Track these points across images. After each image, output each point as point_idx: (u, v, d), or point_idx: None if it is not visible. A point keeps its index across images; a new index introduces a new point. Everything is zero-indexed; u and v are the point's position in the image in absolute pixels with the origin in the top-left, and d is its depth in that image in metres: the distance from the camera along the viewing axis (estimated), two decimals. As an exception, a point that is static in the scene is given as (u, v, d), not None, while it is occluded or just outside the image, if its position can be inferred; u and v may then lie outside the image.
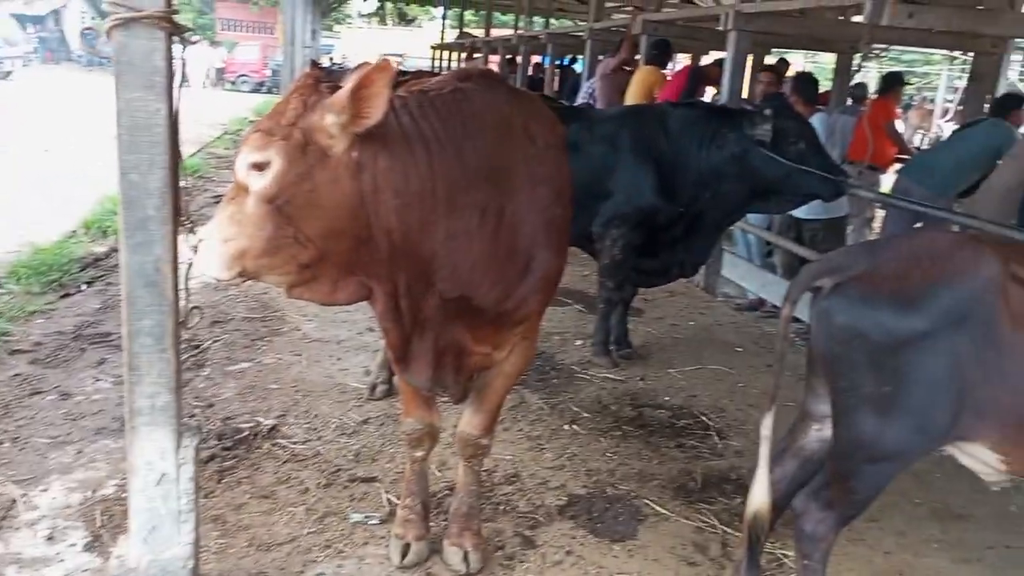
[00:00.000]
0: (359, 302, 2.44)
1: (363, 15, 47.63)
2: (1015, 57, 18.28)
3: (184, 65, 2.29)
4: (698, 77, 8.44)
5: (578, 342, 5.51)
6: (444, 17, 23.65)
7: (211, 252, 2.20)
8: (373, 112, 2.06)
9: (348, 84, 2.08)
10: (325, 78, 2.23)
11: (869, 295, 2.35)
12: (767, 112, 4.69)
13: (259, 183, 2.12)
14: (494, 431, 2.97)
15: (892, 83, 8.21)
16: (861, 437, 2.41)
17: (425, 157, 2.23)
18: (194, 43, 2.38)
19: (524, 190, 2.48)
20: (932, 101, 24.75)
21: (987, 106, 7.52)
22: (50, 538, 3.03)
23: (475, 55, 17.62)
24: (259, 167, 2.12)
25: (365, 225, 2.19)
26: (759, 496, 2.58)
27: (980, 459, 2.42)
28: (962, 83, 16.26)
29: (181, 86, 2.28)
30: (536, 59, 15.42)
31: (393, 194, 2.18)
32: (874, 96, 8.36)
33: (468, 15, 22.44)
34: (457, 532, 3.00)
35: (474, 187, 2.33)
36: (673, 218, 4.92)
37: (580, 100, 9.90)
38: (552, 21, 18.66)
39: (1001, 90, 8.65)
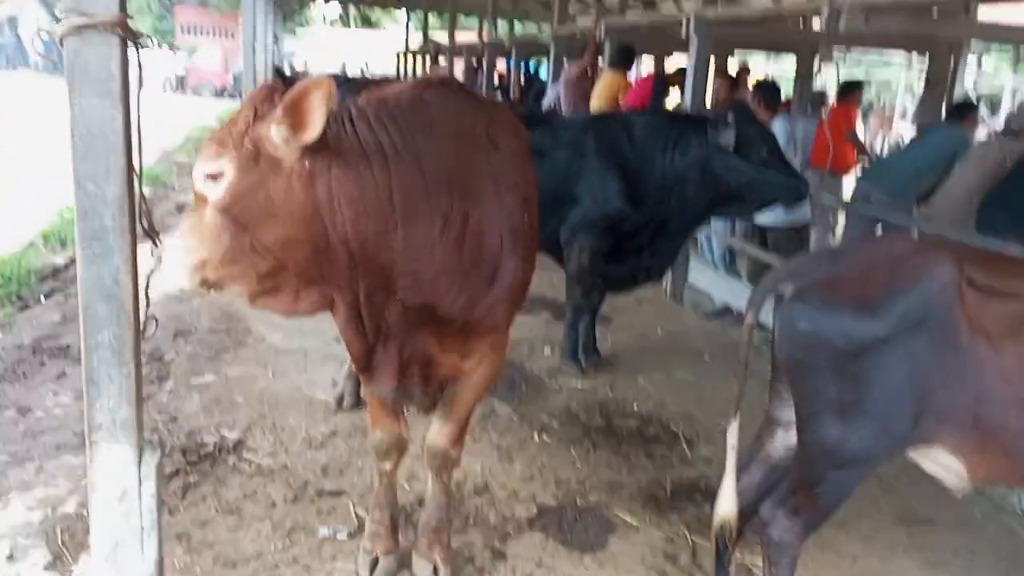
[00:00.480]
0: (322, 312, 2.42)
1: (327, 20, 47.36)
2: (971, 59, 18.69)
3: (140, 71, 2.24)
4: (663, 83, 8.50)
5: (547, 350, 5.49)
6: (408, 21, 23.60)
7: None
8: (311, 126, 2.07)
9: (284, 98, 2.08)
10: (281, 87, 2.20)
11: (829, 301, 2.38)
12: (729, 119, 4.73)
13: (214, 193, 2.14)
14: (462, 442, 2.92)
15: (850, 89, 8.32)
16: (825, 442, 2.43)
17: (381, 166, 2.21)
18: (148, 47, 2.34)
19: (489, 197, 2.46)
20: (892, 106, 25.21)
21: (944, 109, 7.66)
22: (10, 557, 2.96)
23: (439, 60, 17.59)
24: (213, 177, 2.14)
25: (322, 234, 2.19)
26: (726, 505, 2.61)
27: (941, 463, 2.45)
28: (920, 87, 16.58)
29: (139, 92, 2.23)
30: (501, 67, 15.43)
31: (348, 203, 2.17)
32: (833, 103, 8.47)
33: (432, 19, 22.39)
34: (427, 545, 2.97)
35: (434, 195, 2.30)
36: (639, 224, 4.93)
37: (546, 106, 9.93)
38: (516, 24, 18.69)
39: (958, 92, 8.84)
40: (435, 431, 2.87)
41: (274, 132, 2.09)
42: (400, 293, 2.36)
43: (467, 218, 2.39)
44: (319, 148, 2.11)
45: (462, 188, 2.38)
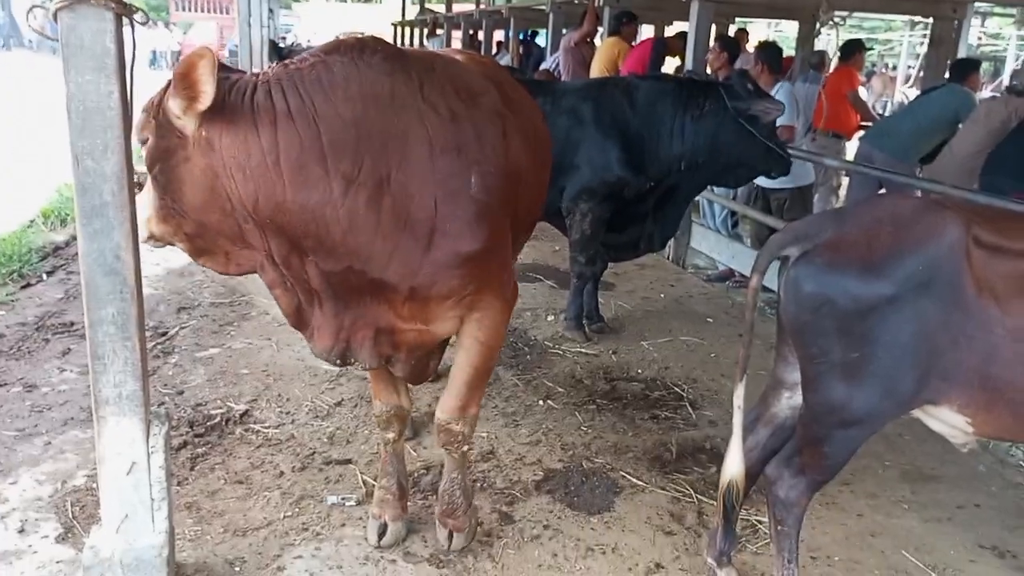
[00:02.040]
0: (253, 272, 2.48)
1: (323, -8, 46.88)
2: (974, 22, 18.48)
3: (135, 46, 2.24)
4: (662, 46, 8.42)
5: (550, 318, 5.50)
6: (405, -7, 23.39)
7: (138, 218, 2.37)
8: (201, 95, 2.14)
9: (175, 71, 2.16)
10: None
11: (835, 262, 2.37)
12: (750, 86, 4.72)
13: (144, 156, 2.28)
14: (469, 416, 2.83)
15: (853, 50, 8.23)
16: (831, 402, 2.43)
17: (269, 131, 2.22)
18: (144, 23, 2.37)
19: (418, 159, 2.38)
20: (894, 68, 25.00)
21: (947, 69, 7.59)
22: (22, 531, 2.99)
23: (437, 31, 17.47)
24: (142, 142, 2.27)
25: (226, 199, 2.26)
26: (733, 465, 2.61)
27: (947, 422, 2.45)
28: (923, 49, 16.41)
29: (133, 67, 2.23)
30: (499, 36, 15.32)
31: (236, 168, 2.22)
32: (835, 65, 8.37)
33: (429, -10, 22.21)
34: (442, 512, 3.00)
35: (334, 157, 2.27)
36: (642, 191, 4.91)
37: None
38: (514, -5, 18.51)
39: (961, 55, 8.75)
40: (439, 403, 2.87)
41: (171, 104, 2.19)
42: (311, 255, 2.37)
43: (384, 180, 2.34)
44: (214, 117, 2.19)
45: (377, 150, 2.32)
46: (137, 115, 2.30)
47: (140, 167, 2.34)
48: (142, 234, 2.37)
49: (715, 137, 4.75)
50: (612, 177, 4.80)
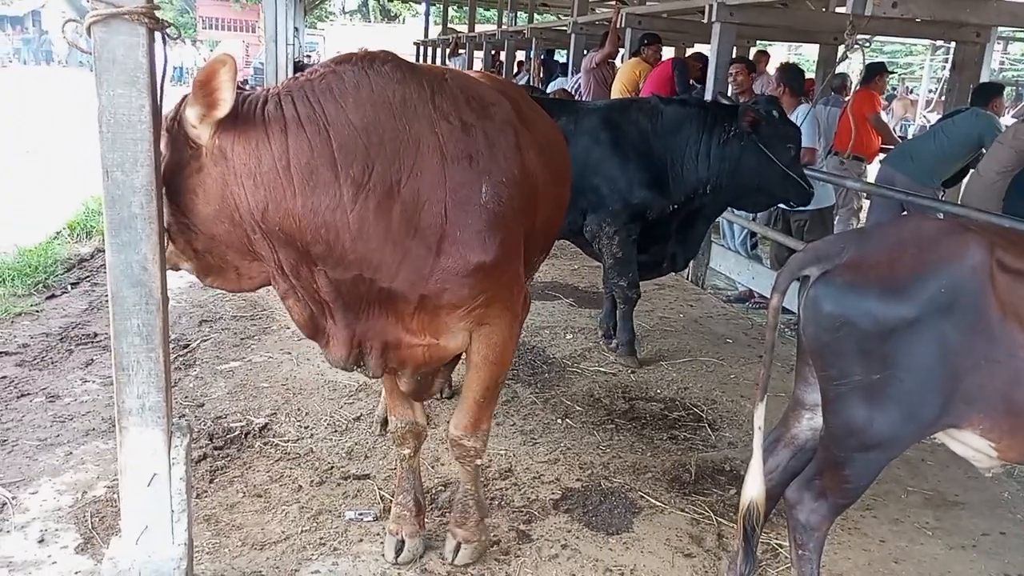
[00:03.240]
0: (267, 286, 2.49)
1: (346, 12, 47.44)
2: (997, 46, 18.40)
3: (166, 60, 2.27)
4: (684, 68, 8.43)
5: (569, 336, 5.50)
6: (427, 13, 23.59)
7: None
8: (220, 102, 2.17)
9: (195, 79, 2.18)
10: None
11: (856, 283, 2.34)
12: (774, 112, 4.73)
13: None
14: (481, 432, 2.86)
15: (874, 73, 8.21)
16: (852, 425, 2.39)
17: (280, 138, 2.25)
18: (175, 39, 2.43)
19: (429, 167, 2.39)
20: (915, 92, 24.91)
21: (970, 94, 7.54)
22: (41, 541, 3.00)
23: (459, 51, 17.59)
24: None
25: (236, 208, 2.27)
26: (753, 487, 2.56)
27: (971, 446, 2.42)
28: (945, 73, 16.35)
29: (163, 82, 2.26)
30: (520, 56, 15.42)
31: (246, 176, 2.24)
32: (857, 87, 8.34)
33: (451, 10, 22.38)
34: (453, 523, 3.03)
35: (344, 163, 2.28)
36: (665, 213, 4.92)
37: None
38: (536, 16, 18.64)
39: (984, 79, 8.70)
40: (452, 419, 2.89)
41: (189, 112, 2.22)
42: (320, 263, 2.37)
43: (395, 187, 2.35)
44: (227, 128, 2.23)
45: (387, 156, 2.33)
46: None
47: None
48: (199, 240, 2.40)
49: (738, 162, 4.76)
50: (635, 199, 4.81)
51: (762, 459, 2.60)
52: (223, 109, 2.18)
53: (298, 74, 2.46)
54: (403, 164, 2.36)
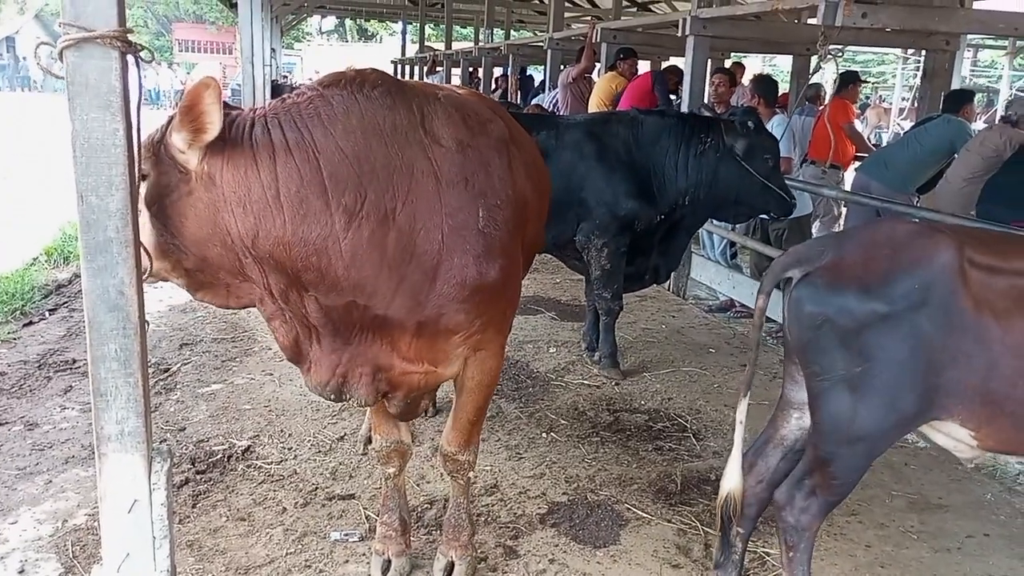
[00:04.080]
0: (253, 306, 2.47)
1: (323, 32, 47.51)
2: (967, 54, 18.68)
3: (141, 84, 2.26)
4: (663, 80, 8.50)
5: (552, 350, 5.50)
6: (404, 32, 23.68)
7: None
8: (208, 127, 2.14)
9: (181, 103, 2.15)
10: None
11: (834, 283, 2.46)
12: (750, 124, 4.77)
13: (143, 192, 2.25)
14: (473, 446, 2.88)
15: (848, 82, 8.30)
16: (837, 418, 2.48)
17: (269, 165, 2.22)
18: (149, 62, 2.41)
19: (424, 192, 2.36)
20: (888, 100, 25.24)
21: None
22: (21, 572, 2.96)
23: (437, 68, 17.65)
24: (143, 177, 2.25)
25: (227, 233, 2.25)
26: (731, 479, 2.67)
27: (953, 436, 2.51)
28: (916, 81, 16.56)
29: (139, 105, 2.25)
30: (498, 72, 15.49)
31: (236, 203, 2.21)
32: (831, 96, 8.45)
33: (428, 29, 22.48)
34: (445, 541, 3.02)
35: (336, 190, 2.25)
36: (652, 224, 4.95)
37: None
38: (512, 33, 18.74)
39: (955, 86, 8.82)
40: (444, 435, 2.89)
41: (175, 138, 2.18)
42: (311, 289, 2.34)
43: (390, 214, 2.32)
44: (215, 152, 2.20)
45: (380, 183, 2.30)
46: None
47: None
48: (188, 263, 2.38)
49: (715, 173, 4.80)
50: (622, 211, 4.85)
51: (749, 461, 2.72)
52: (211, 133, 2.15)
53: (285, 96, 2.42)
54: (397, 191, 2.33)
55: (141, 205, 2.27)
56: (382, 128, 2.34)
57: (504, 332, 2.74)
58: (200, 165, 2.21)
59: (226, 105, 2.37)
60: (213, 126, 2.14)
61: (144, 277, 2.38)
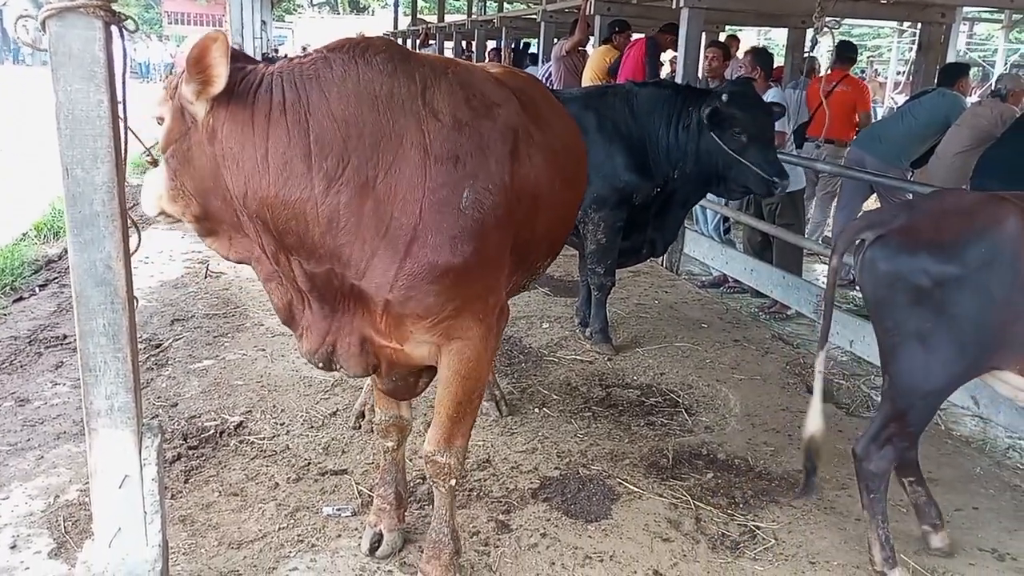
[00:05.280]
0: (247, 262, 2.47)
1: (315, 4, 47.03)
2: (962, 27, 18.59)
3: (125, 54, 2.23)
4: (655, 46, 8.42)
5: (545, 325, 5.50)
6: (396, 5, 23.45)
7: (144, 192, 2.40)
8: (215, 79, 2.14)
9: (188, 55, 2.13)
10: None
11: (907, 244, 2.70)
12: (724, 97, 4.69)
13: (159, 135, 2.29)
14: (454, 449, 2.68)
15: (848, 56, 8.16)
16: (910, 371, 2.73)
17: (263, 124, 2.21)
18: (133, 32, 2.39)
19: (410, 165, 2.30)
20: (883, 74, 25.13)
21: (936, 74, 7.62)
22: (13, 547, 2.95)
23: (430, 41, 17.50)
24: (159, 120, 2.29)
25: (225, 188, 2.26)
26: (814, 422, 2.95)
27: (1013, 384, 2.76)
28: (912, 55, 16.49)
29: (124, 76, 2.22)
30: (492, 45, 15.39)
31: (231, 159, 2.22)
32: (828, 69, 8.36)
33: (421, 1, 22.27)
34: (425, 559, 2.83)
35: (320, 155, 2.22)
36: (649, 197, 4.93)
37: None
38: (506, 5, 18.57)
39: (950, 60, 8.78)
40: (426, 436, 2.73)
41: (185, 89, 2.18)
42: (294, 254, 2.34)
43: (370, 182, 2.27)
44: (221, 106, 2.19)
45: (365, 150, 2.26)
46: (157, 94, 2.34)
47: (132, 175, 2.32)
48: (153, 211, 2.39)
49: (697, 147, 4.76)
50: (620, 183, 4.83)
51: (821, 399, 2.98)
52: (218, 85, 2.13)
53: (295, 56, 2.41)
54: (381, 160, 2.28)
55: (135, 180, 2.28)
56: (377, 95, 2.30)
57: (486, 321, 2.57)
58: (207, 117, 2.20)
59: (244, 58, 2.37)
60: (219, 79, 2.13)
61: (155, 216, 2.43)
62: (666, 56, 9.07)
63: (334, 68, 2.28)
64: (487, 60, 14.70)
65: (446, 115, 2.39)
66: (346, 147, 2.25)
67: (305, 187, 2.23)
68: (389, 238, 2.31)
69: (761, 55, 6.94)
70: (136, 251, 2.40)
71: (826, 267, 7.76)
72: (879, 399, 4.54)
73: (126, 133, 2.30)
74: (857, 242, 2.85)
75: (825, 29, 6.31)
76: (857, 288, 6.68)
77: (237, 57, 2.26)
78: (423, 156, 2.32)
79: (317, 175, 2.23)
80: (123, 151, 2.27)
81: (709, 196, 6.91)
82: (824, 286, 5.91)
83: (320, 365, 2.58)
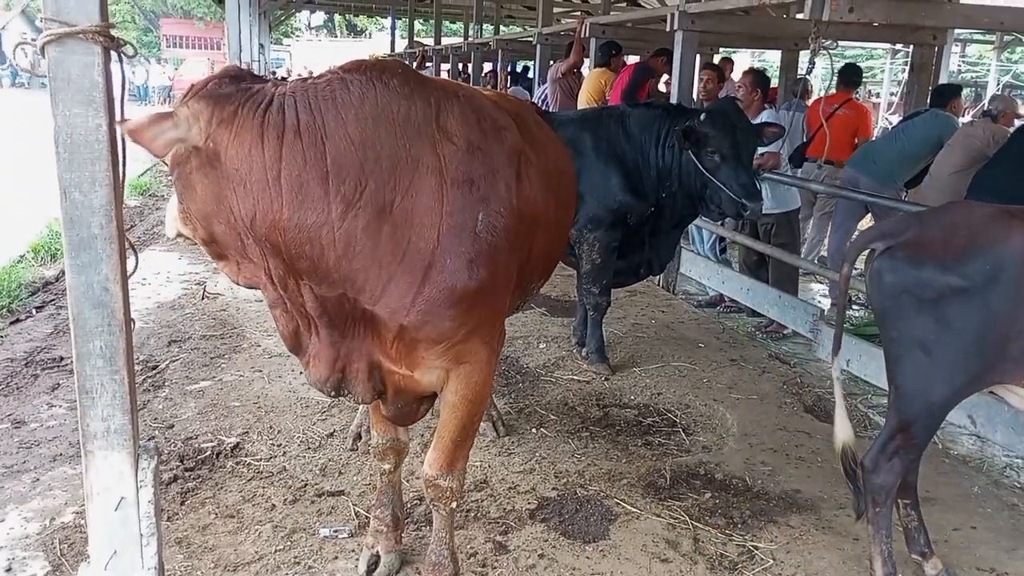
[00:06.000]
0: (256, 287, 2.43)
1: (312, 28, 47.34)
2: (955, 49, 18.76)
3: (124, 79, 2.24)
4: (644, 71, 8.49)
5: (542, 345, 5.51)
6: (393, 28, 23.60)
7: (167, 215, 2.44)
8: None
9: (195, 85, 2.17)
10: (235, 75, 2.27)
11: (914, 257, 2.74)
12: (702, 116, 4.71)
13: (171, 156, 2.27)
14: (455, 472, 2.70)
15: (853, 80, 8.20)
16: (913, 381, 2.78)
17: (274, 146, 2.16)
18: (132, 57, 2.39)
19: (426, 189, 2.29)
20: (877, 95, 25.31)
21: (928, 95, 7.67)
22: (9, 570, 2.94)
23: (427, 64, 17.61)
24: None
25: (229, 212, 2.21)
26: (842, 431, 3.00)
27: (1019, 395, 2.81)
28: (905, 76, 16.62)
29: (123, 101, 2.24)
30: (488, 68, 15.49)
31: (239, 182, 2.17)
32: (822, 92, 8.42)
33: (417, 24, 22.42)
34: None
35: (336, 178, 2.20)
36: (643, 217, 4.95)
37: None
38: (502, 28, 18.72)
39: (943, 81, 8.85)
40: (426, 459, 2.74)
41: (180, 111, 2.15)
42: (305, 278, 2.30)
43: (387, 207, 2.26)
44: (223, 128, 2.14)
45: (383, 174, 2.25)
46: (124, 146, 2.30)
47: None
48: (171, 232, 2.43)
49: (680, 166, 4.79)
50: (615, 203, 4.85)
51: (844, 405, 3.05)
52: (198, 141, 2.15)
53: (307, 77, 2.40)
54: (398, 184, 2.27)
55: (131, 202, 2.30)
56: (395, 117, 2.28)
57: (491, 344, 2.60)
58: (207, 143, 2.15)
59: (252, 77, 2.34)
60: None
61: (173, 237, 2.45)
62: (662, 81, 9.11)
63: (351, 90, 2.26)
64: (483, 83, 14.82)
65: (460, 138, 2.39)
66: (363, 170, 2.22)
67: (322, 211, 2.20)
68: (406, 263, 2.30)
69: (760, 77, 6.99)
70: (133, 273, 2.40)
71: (822, 286, 7.82)
72: (876, 418, 4.56)
73: (124, 156, 2.31)
74: (867, 252, 2.91)
75: (823, 51, 6.36)
76: (854, 307, 6.73)
77: (242, 76, 2.26)
78: (439, 180, 2.32)
79: (335, 199, 2.20)
80: (121, 174, 2.28)
81: (704, 217, 6.98)
82: (820, 305, 5.92)
83: (332, 392, 2.56)
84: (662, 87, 9.30)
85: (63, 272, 6.71)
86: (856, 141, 7.75)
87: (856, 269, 3.55)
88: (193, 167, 2.19)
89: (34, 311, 5.87)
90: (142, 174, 12.24)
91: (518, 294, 2.95)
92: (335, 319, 2.40)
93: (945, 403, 2.80)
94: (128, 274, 2.37)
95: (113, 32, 2.16)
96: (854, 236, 7.23)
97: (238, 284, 2.44)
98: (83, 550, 2.92)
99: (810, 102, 8.53)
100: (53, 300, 6.14)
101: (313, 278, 2.29)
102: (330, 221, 2.21)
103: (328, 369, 2.48)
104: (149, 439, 3.77)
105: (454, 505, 2.78)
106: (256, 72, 2.52)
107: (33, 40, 2.20)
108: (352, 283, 2.30)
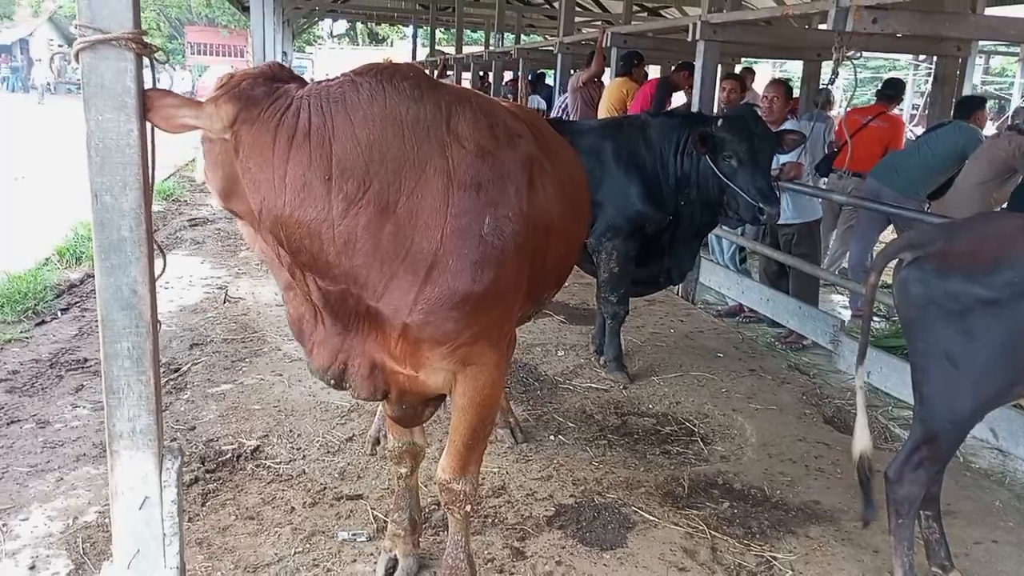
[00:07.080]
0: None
1: (334, 36, 47.70)
2: (979, 61, 18.63)
3: (155, 84, 2.29)
4: (667, 85, 8.51)
5: (560, 353, 5.51)
6: (415, 36, 23.75)
7: (198, 162, 2.45)
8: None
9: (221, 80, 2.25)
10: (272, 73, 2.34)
11: (943, 268, 2.73)
12: (719, 121, 4.72)
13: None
14: (468, 475, 2.71)
15: (894, 94, 8.17)
16: (939, 390, 2.76)
17: (284, 148, 2.21)
18: (163, 63, 2.45)
19: (432, 190, 2.31)
20: (900, 107, 25.16)
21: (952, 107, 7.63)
22: (32, 568, 2.98)
23: (447, 72, 17.70)
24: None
25: (243, 198, 2.29)
26: (862, 440, 2.99)
27: None
28: (928, 87, 16.53)
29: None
30: (509, 76, 15.55)
31: (251, 179, 2.24)
32: (845, 104, 8.39)
33: (439, 33, 22.54)
34: None
35: (340, 177, 2.23)
36: (662, 226, 4.96)
37: (554, 114, 9.99)
38: (523, 37, 18.79)
39: (966, 92, 8.80)
40: (440, 463, 2.75)
41: (207, 107, 2.22)
42: (307, 271, 2.35)
43: (390, 205, 2.28)
44: (245, 124, 2.21)
45: (388, 175, 2.28)
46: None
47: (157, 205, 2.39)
48: (200, 178, 2.47)
49: (698, 173, 4.79)
50: (633, 212, 4.86)
51: (865, 415, 3.01)
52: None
53: (323, 79, 2.44)
54: (404, 184, 2.29)
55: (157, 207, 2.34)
56: (403, 119, 2.31)
57: (499, 348, 2.60)
58: (231, 136, 2.22)
59: (291, 77, 2.40)
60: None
61: (201, 183, 2.54)
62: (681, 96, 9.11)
63: (361, 91, 2.29)
64: (504, 91, 14.87)
65: (470, 142, 2.40)
66: (368, 170, 2.26)
67: (322, 208, 2.24)
68: (409, 262, 2.32)
69: (786, 86, 6.98)
70: (161, 275, 2.44)
71: (842, 298, 7.77)
72: (896, 430, 4.53)
73: (154, 161, 2.35)
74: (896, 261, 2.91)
75: (847, 62, 6.34)
76: (875, 319, 6.69)
77: (278, 76, 2.32)
78: (446, 182, 2.34)
79: (336, 197, 2.24)
80: (151, 178, 2.32)
81: (725, 226, 6.97)
82: (841, 316, 5.89)
83: (332, 383, 2.58)
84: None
85: (88, 275, 6.81)
86: (888, 151, 7.72)
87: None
88: (218, 151, 2.28)
89: (59, 313, 5.94)
90: (166, 179, 12.37)
91: (530, 303, 2.94)
92: (339, 312, 2.42)
93: (971, 415, 2.78)
94: (156, 277, 2.41)
95: (145, 39, 2.20)
96: (875, 248, 7.20)
97: (253, 250, 2.50)
98: (105, 549, 2.96)
99: (832, 113, 8.50)
100: (78, 302, 6.21)
101: (315, 271, 2.34)
102: (330, 218, 2.25)
103: (330, 358, 2.51)
104: (171, 440, 3.82)
105: (468, 509, 2.78)
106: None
107: (61, 46, 2.25)
108: (354, 279, 2.33)
